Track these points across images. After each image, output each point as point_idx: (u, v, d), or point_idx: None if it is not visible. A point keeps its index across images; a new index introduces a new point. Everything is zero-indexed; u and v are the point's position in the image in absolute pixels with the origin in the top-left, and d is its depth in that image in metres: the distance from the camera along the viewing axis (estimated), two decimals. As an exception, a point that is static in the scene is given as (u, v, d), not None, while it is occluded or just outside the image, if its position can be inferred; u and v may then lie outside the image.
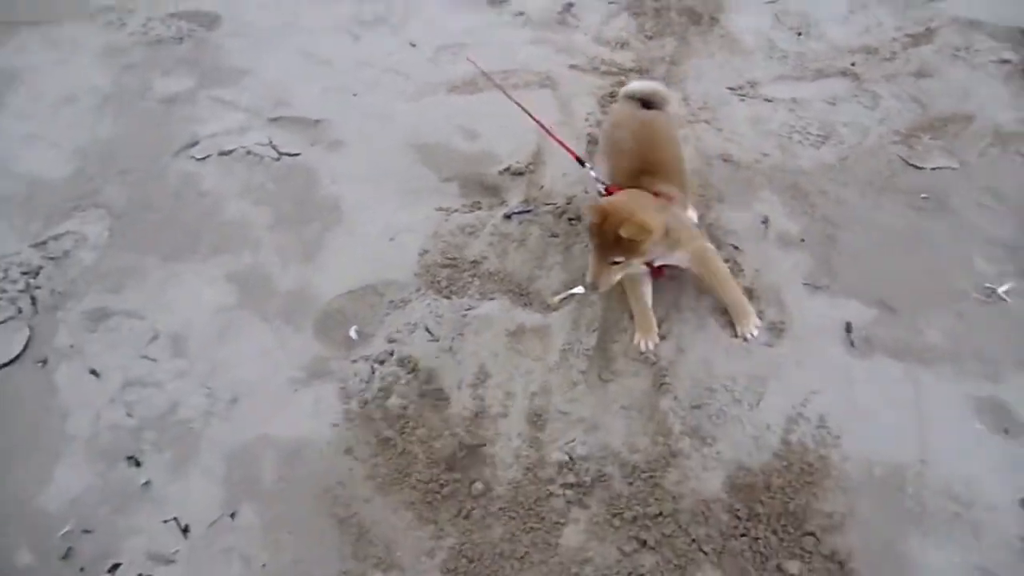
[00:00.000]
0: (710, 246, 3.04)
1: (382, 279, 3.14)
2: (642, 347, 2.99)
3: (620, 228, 2.65)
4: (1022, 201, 3.45)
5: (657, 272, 3.00)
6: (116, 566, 2.49)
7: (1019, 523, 2.53)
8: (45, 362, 2.93)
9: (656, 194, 2.91)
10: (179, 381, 2.89)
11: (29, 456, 2.71)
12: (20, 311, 3.07)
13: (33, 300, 3.11)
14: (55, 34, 4.25)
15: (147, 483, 2.65)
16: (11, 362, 2.94)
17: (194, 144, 3.64)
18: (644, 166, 3.01)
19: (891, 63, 4.19)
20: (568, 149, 3.10)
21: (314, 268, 3.20)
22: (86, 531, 2.57)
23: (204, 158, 3.58)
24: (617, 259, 2.76)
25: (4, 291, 3.09)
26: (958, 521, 2.54)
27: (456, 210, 3.39)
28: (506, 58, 4.14)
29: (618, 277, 2.84)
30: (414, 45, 4.23)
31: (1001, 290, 3.14)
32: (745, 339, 2.98)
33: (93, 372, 2.89)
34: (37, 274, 3.19)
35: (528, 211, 3.29)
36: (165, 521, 2.57)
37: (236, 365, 2.93)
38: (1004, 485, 2.60)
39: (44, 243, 3.31)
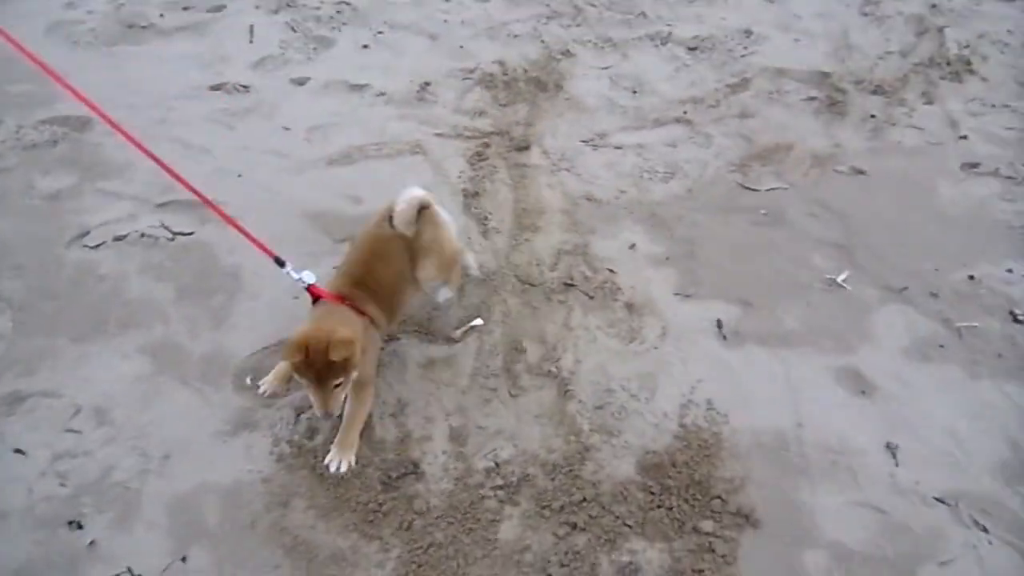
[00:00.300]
0: (371, 384, 3.09)
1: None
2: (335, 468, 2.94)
3: (329, 354, 2.63)
4: (843, 208, 4.04)
5: None
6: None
7: (887, 462, 2.95)
8: (-36, 451, 2.92)
9: (358, 311, 2.95)
10: (109, 447, 2.94)
11: (-38, 539, 2.68)
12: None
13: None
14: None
15: (92, 543, 2.68)
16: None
17: (85, 234, 3.73)
18: (363, 279, 3.03)
19: (717, 109, 4.80)
20: (266, 250, 3.08)
21: (224, 332, 3.33)
22: (36, 599, 2.55)
23: (98, 245, 3.68)
24: (338, 382, 2.73)
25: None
26: (837, 468, 2.94)
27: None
28: (375, 132, 4.50)
29: (344, 394, 2.82)
30: (288, 128, 4.49)
31: (840, 279, 3.66)
32: (335, 470, 2.94)
33: (18, 451, 2.90)
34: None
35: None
36: (118, 575, 2.59)
37: (163, 425, 3.01)
38: (868, 434, 3.05)
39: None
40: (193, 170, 3.87)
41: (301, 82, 4.91)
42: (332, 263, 3.59)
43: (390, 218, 3.07)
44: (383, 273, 3.05)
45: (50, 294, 3.45)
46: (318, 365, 2.65)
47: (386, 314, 3.08)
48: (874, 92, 4.95)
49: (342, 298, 2.93)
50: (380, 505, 2.83)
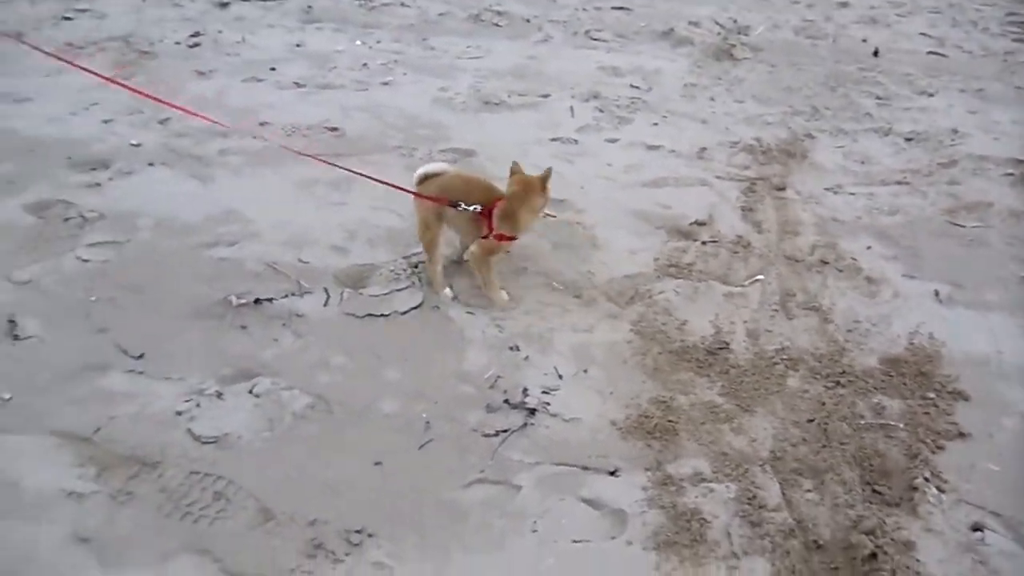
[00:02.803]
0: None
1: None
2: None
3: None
4: None
5: None
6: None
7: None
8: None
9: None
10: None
11: None
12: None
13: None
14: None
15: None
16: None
17: None
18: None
19: (930, 177, 6.38)
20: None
21: (589, 264, 5.20)
22: None
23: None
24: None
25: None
26: (1027, 371, 4.37)
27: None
28: (671, 171, 6.42)
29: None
30: (610, 165, 6.51)
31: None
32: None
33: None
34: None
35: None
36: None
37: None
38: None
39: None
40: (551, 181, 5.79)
41: (612, 140, 6.85)
42: (654, 241, 5.41)
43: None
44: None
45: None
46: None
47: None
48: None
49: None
50: (706, 362, 4.43)
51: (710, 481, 3.55)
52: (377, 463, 3.61)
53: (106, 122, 6.64)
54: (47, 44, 8.15)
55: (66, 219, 5.19)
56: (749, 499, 3.47)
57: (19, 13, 9.40)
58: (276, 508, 3.35)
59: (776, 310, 4.67)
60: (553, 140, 6.74)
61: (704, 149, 6.65)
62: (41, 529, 3.22)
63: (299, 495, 3.42)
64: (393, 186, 4.58)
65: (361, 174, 4.78)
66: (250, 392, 3.93)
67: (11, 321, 4.26)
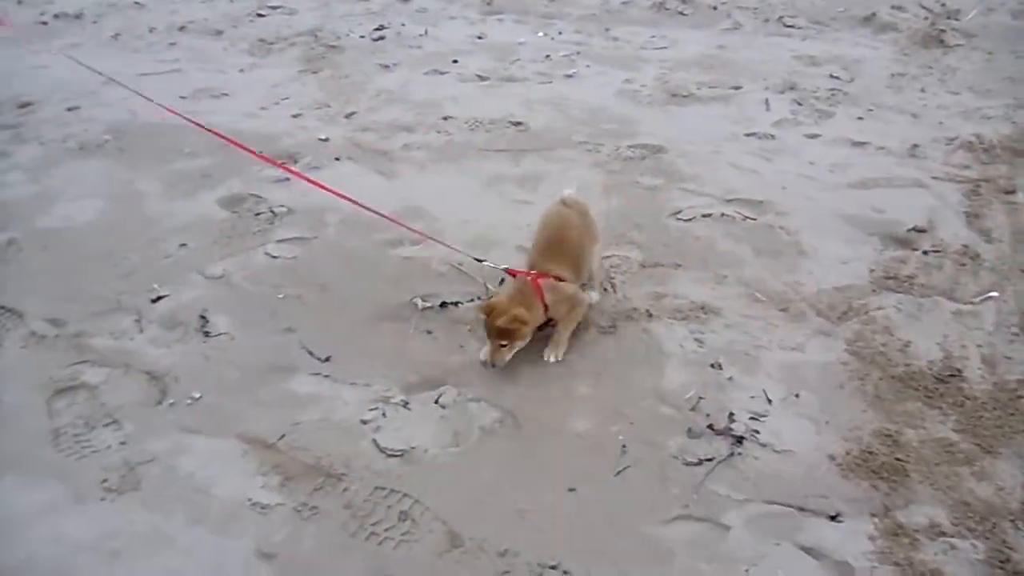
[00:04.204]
0: (582, 304, 4.07)
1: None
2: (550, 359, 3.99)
3: (500, 321, 3.64)
4: None
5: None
6: None
7: None
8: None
9: (547, 275, 3.88)
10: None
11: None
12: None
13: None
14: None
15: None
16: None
17: (679, 212, 5.28)
18: (548, 251, 3.99)
19: None
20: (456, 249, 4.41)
21: (794, 275, 4.71)
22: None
23: (690, 219, 5.19)
24: (503, 343, 3.73)
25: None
26: None
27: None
28: (882, 171, 5.87)
29: (509, 356, 3.81)
30: (812, 163, 5.98)
31: None
32: (547, 359, 3.99)
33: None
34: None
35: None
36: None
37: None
38: None
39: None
40: (748, 180, 5.52)
41: (813, 136, 6.30)
42: (867, 250, 4.90)
43: (563, 201, 4.10)
44: (567, 238, 4.00)
45: (664, 243, 4.96)
46: (494, 326, 3.68)
47: (575, 272, 3.99)
48: None
49: (532, 273, 3.88)
50: (936, 391, 3.86)
51: (951, 536, 3.11)
52: (571, 489, 3.38)
53: (295, 116, 6.68)
54: (242, 41, 8.32)
55: (257, 214, 5.20)
56: (1002, 562, 3.00)
57: (220, 11, 9.79)
58: (464, 533, 3.17)
59: (1016, 333, 4.08)
60: (748, 136, 6.30)
61: (916, 146, 6.01)
62: (228, 542, 3.18)
63: (488, 520, 3.22)
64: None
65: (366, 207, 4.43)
66: (436, 402, 3.78)
67: (203, 317, 4.26)
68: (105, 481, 3.42)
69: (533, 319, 3.76)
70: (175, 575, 3.02)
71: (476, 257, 4.15)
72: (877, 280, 4.57)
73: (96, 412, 3.75)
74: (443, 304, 4.39)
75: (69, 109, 6.87)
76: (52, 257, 4.90)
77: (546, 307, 3.81)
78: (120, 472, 3.46)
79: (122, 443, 3.60)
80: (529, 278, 3.82)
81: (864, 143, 6.12)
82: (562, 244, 3.94)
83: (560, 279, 3.84)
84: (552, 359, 3.91)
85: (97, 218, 5.30)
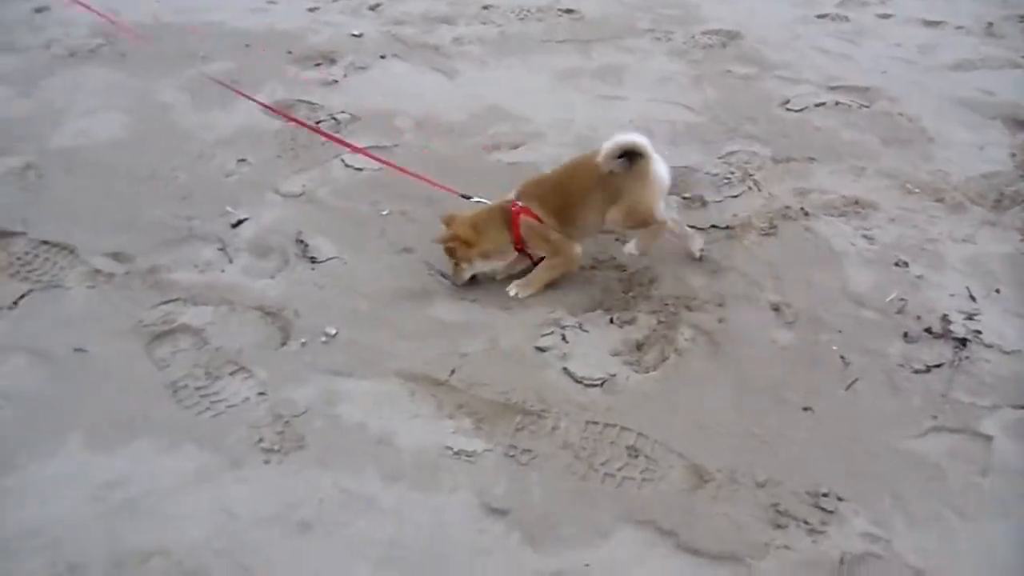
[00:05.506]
0: (564, 254, 3.50)
1: None
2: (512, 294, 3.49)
3: (441, 236, 3.36)
4: None
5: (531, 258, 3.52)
6: None
7: None
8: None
9: (527, 211, 3.39)
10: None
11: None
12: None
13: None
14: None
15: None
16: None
17: (787, 101, 4.83)
18: (538, 187, 3.47)
19: None
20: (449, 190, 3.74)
21: (923, 160, 4.35)
22: None
23: (801, 109, 4.76)
24: (455, 262, 3.44)
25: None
26: None
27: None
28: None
29: (467, 276, 3.47)
30: (899, 45, 5.54)
31: None
32: (508, 292, 3.49)
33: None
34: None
35: None
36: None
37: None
38: None
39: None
40: (845, 66, 5.19)
41: (885, 16, 6.03)
42: (996, 134, 4.57)
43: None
44: (568, 189, 3.42)
45: (784, 134, 4.51)
46: (441, 239, 3.39)
47: (559, 222, 3.42)
48: None
49: (513, 203, 3.41)
50: None
51: None
52: (806, 408, 2.97)
53: (312, 10, 5.89)
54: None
55: (317, 122, 4.45)
56: None
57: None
58: (706, 465, 2.77)
59: None
60: (819, 17, 5.88)
61: (991, 24, 5.60)
62: (443, 499, 2.67)
63: (723, 448, 2.82)
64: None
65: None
66: (611, 322, 3.23)
67: (301, 241, 3.59)
68: (260, 441, 2.84)
69: (483, 245, 3.39)
70: (393, 544, 2.52)
71: (463, 194, 3.66)
72: (1022, 165, 4.16)
73: (214, 359, 3.14)
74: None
75: (37, 10, 5.88)
76: (82, 181, 4.15)
77: (520, 242, 3.40)
78: (274, 428, 2.88)
79: (260, 394, 3.01)
80: (511, 208, 3.39)
81: (939, 22, 5.83)
82: (557, 192, 3.44)
83: (537, 219, 3.38)
84: (512, 293, 3.49)
85: (122, 133, 4.55)
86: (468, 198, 3.60)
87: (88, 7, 4.17)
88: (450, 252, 3.37)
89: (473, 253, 3.38)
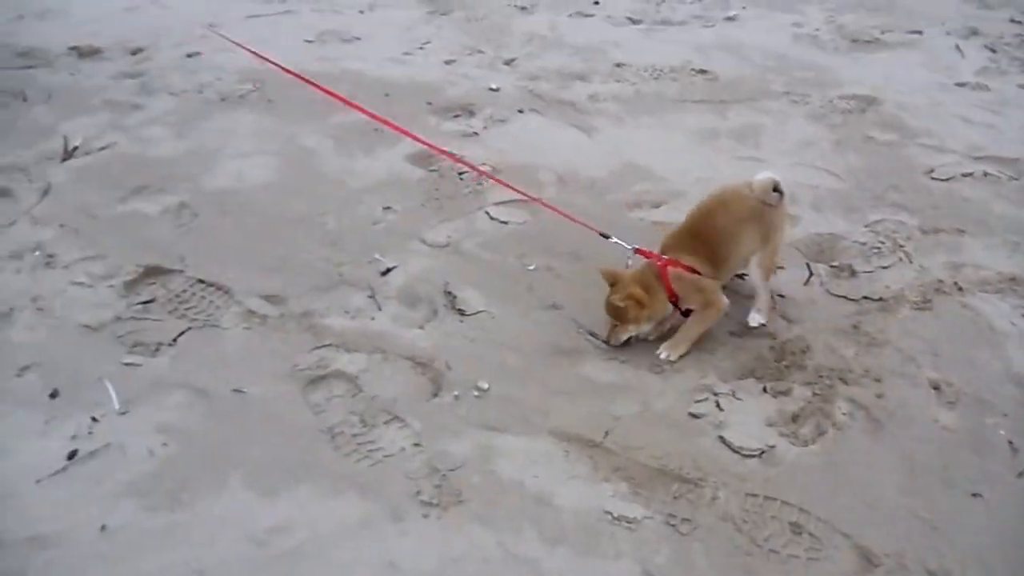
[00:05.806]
0: (714, 306, 3.45)
1: None
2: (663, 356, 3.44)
3: (614, 297, 3.29)
4: None
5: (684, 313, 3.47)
6: None
7: None
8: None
9: (676, 263, 3.35)
10: None
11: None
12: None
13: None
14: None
15: None
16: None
17: (932, 170, 4.73)
18: (684, 236, 3.45)
19: None
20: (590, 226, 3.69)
21: None
22: None
23: (948, 179, 4.65)
24: (615, 323, 3.38)
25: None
26: None
27: None
28: None
29: (624, 337, 3.43)
30: None
31: None
32: (659, 358, 3.45)
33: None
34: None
35: None
36: None
37: None
38: None
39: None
40: (990, 136, 5.20)
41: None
42: None
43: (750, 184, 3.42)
44: (717, 228, 3.41)
45: (932, 205, 4.41)
46: (608, 300, 3.32)
47: (712, 264, 3.41)
48: None
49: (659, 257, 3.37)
50: None
51: None
52: (975, 495, 2.89)
53: (449, 63, 6.01)
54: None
55: (460, 173, 4.56)
56: None
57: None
58: (873, 547, 2.70)
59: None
60: (958, 86, 5.73)
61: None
62: (606, 565, 2.66)
63: (893, 531, 2.76)
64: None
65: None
66: (764, 391, 3.15)
67: (449, 292, 3.64)
68: (419, 493, 2.87)
69: (653, 306, 3.35)
70: (555, 607, 2.42)
71: (602, 233, 3.60)
72: None
73: (369, 407, 3.18)
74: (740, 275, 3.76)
75: (189, 56, 6.10)
76: (235, 222, 4.28)
77: (674, 296, 3.35)
78: (432, 481, 2.91)
79: (416, 444, 3.04)
80: (657, 263, 3.34)
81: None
82: (705, 232, 3.39)
83: (693, 271, 3.34)
84: (664, 356, 3.43)
85: (272, 177, 4.69)
86: (607, 237, 3.59)
87: (249, 50, 4.35)
88: (620, 312, 3.31)
89: (644, 314, 3.35)
